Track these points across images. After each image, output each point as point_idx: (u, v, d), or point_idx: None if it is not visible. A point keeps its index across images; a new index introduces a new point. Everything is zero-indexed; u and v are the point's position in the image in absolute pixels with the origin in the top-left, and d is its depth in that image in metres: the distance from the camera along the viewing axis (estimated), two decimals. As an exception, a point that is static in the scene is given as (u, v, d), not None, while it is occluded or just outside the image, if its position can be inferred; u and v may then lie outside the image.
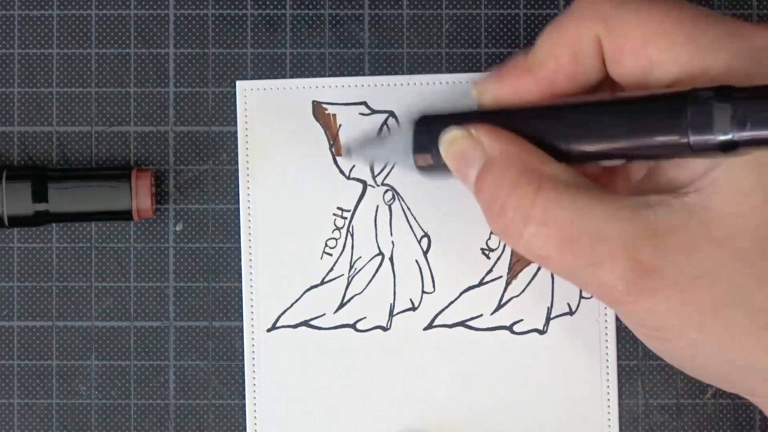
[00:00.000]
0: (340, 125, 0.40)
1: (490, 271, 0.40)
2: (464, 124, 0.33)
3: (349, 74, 0.40)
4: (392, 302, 0.40)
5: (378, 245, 0.40)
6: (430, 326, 0.40)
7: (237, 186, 0.40)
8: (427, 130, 0.35)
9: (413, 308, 0.40)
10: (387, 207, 0.40)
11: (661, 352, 0.32)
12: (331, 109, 0.40)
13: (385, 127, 0.40)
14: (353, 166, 0.40)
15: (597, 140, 0.31)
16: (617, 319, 0.40)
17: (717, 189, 0.30)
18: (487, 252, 0.40)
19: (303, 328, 0.40)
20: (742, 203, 0.30)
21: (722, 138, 0.28)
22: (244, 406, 0.40)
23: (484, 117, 0.33)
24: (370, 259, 0.40)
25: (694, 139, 0.29)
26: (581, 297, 0.40)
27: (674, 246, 0.30)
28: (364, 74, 0.40)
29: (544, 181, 0.31)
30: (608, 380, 0.39)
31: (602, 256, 0.30)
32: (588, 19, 0.32)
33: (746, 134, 0.28)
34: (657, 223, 0.30)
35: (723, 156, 0.29)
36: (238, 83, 0.40)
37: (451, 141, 0.33)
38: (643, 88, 0.31)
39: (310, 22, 0.40)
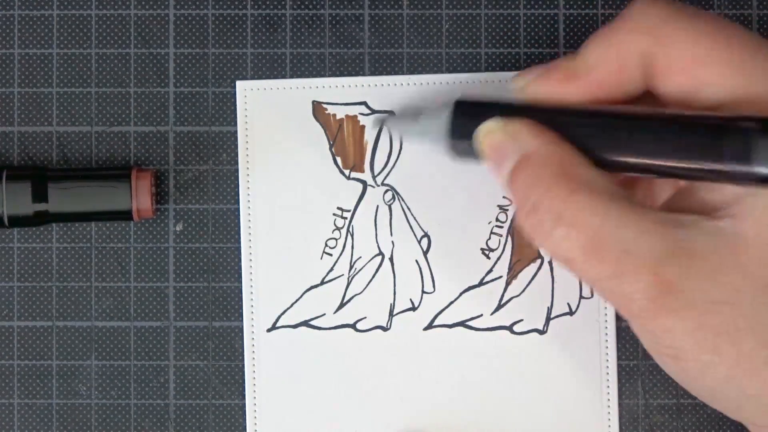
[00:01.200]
0: (340, 125, 0.40)
1: (490, 271, 0.40)
2: (504, 116, 0.33)
3: (349, 74, 0.40)
4: (392, 302, 0.40)
5: (378, 245, 0.40)
6: (430, 326, 0.40)
7: (237, 186, 0.40)
8: (465, 115, 0.34)
9: (413, 308, 0.40)
10: (387, 207, 0.40)
11: (672, 370, 0.32)
12: (331, 109, 0.40)
13: (422, 101, 0.39)
14: (353, 166, 0.40)
15: (637, 153, 0.31)
16: (617, 319, 0.40)
17: (750, 217, 0.30)
18: (487, 252, 0.40)
19: (303, 328, 0.40)
20: None
21: (760, 170, 0.28)
22: (244, 406, 0.40)
23: (524, 111, 0.33)
24: (370, 259, 0.40)
25: (732, 168, 0.29)
26: (581, 297, 0.40)
27: (700, 269, 0.30)
28: (364, 74, 0.40)
29: (579, 185, 0.31)
30: (608, 380, 0.39)
31: (627, 269, 0.30)
32: (639, 32, 0.32)
33: None
34: (686, 243, 0.30)
35: (760, 187, 0.29)
36: (238, 83, 0.40)
37: (489, 131, 0.33)
38: (686, 107, 0.31)
39: (310, 22, 0.40)
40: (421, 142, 0.36)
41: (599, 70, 0.33)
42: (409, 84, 0.40)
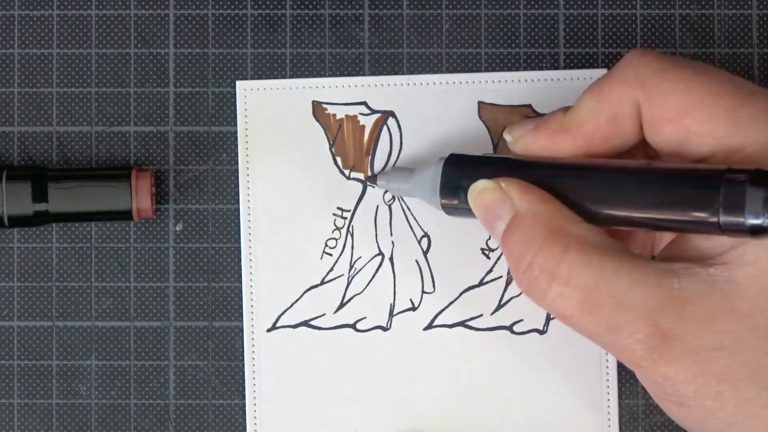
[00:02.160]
0: (339, 125, 0.40)
1: (490, 271, 0.40)
2: (494, 175, 0.34)
3: (349, 74, 0.40)
4: (392, 302, 0.40)
5: (378, 245, 0.40)
6: (430, 326, 0.40)
7: (237, 186, 0.40)
8: (456, 173, 0.35)
9: (413, 308, 0.40)
10: (387, 207, 0.40)
11: (676, 416, 0.33)
12: (331, 109, 0.40)
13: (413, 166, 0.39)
14: (353, 166, 0.40)
15: (627, 207, 0.31)
16: (617, 319, 0.40)
17: (743, 264, 0.30)
18: (487, 252, 0.40)
19: (303, 328, 0.40)
20: (767, 281, 0.30)
21: (753, 222, 0.28)
22: (244, 406, 0.40)
23: (515, 167, 0.34)
24: (370, 259, 0.40)
25: (724, 220, 0.29)
26: (581, 297, 0.40)
27: (695, 316, 0.30)
28: (364, 74, 0.40)
29: (571, 242, 0.31)
30: (608, 380, 0.39)
31: (624, 321, 0.30)
32: (629, 84, 0.32)
33: None
34: (680, 291, 0.30)
35: (751, 238, 0.29)
36: (238, 83, 0.40)
37: (480, 192, 0.34)
38: (678, 157, 0.32)
39: (310, 22, 0.40)
40: (416, 198, 0.37)
41: (592, 123, 0.33)
42: (409, 84, 0.40)
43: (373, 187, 0.40)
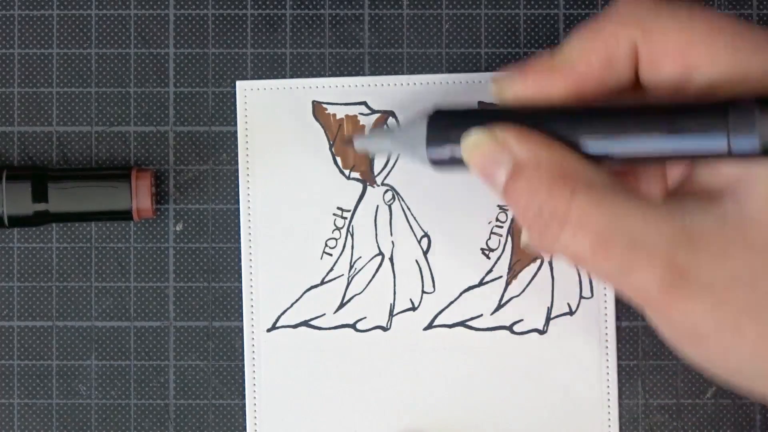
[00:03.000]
0: (339, 125, 0.40)
1: (490, 271, 0.40)
2: (487, 124, 0.32)
3: (349, 74, 0.40)
4: (392, 302, 0.40)
5: (378, 245, 0.40)
6: (430, 326, 0.40)
7: (237, 186, 0.40)
8: (443, 125, 0.33)
9: (413, 308, 0.40)
10: (387, 207, 0.40)
11: (695, 356, 0.32)
12: (331, 109, 0.40)
13: (392, 121, 0.39)
14: (353, 166, 0.40)
15: (635, 143, 0.31)
16: (617, 319, 0.40)
17: (753, 194, 0.30)
18: (487, 252, 0.40)
19: (303, 328, 0.40)
20: None
21: (763, 143, 0.28)
22: (244, 406, 0.40)
23: (507, 116, 0.32)
24: (370, 259, 0.40)
25: (735, 143, 0.29)
26: (581, 297, 0.40)
27: (709, 250, 0.30)
28: (364, 74, 0.40)
29: (578, 185, 0.31)
30: (608, 380, 0.39)
31: (638, 260, 0.30)
32: (626, 24, 0.32)
33: None
34: (693, 227, 0.30)
35: (763, 159, 0.29)
36: (238, 83, 0.40)
37: (475, 143, 0.33)
38: (677, 94, 0.32)
39: (310, 22, 0.40)
40: (396, 155, 0.36)
41: (584, 63, 0.32)
42: (409, 84, 0.40)
43: (373, 186, 0.40)
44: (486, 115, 0.33)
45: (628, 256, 0.30)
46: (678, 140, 0.30)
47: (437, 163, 0.34)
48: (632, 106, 0.31)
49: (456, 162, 0.33)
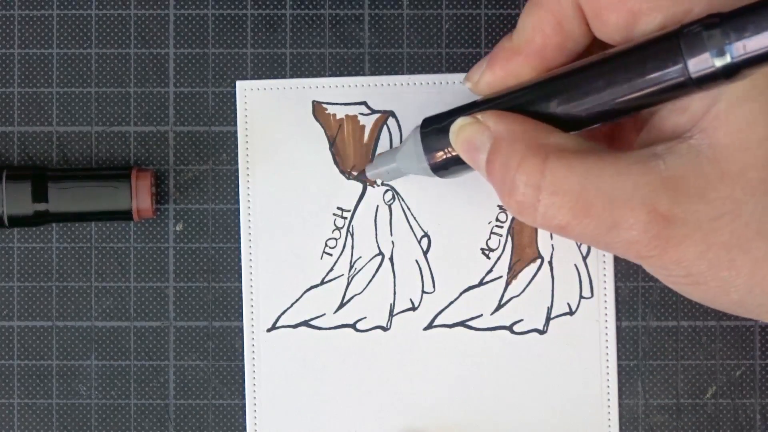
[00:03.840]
0: (339, 125, 0.40)
1: (490, 271, 0.40)
2: (470, 113, 0.34)
3: (349, 74, 0.40)
4: (392, 302, 0.40)
5: (378, 245, 0.40)
6: (430, 326, 0.40)
7: (237, 186, 0.40)
8: (434, 130, 0.35)
9: (413, 308, 0.40)
10: (387, 207, 0.40)
11: (695, 296, 0.33)
12: (331, 109, 0.40)
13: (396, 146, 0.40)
14: (353, 166, 0.40)
15: (599, 99, 0.31)
16: (617, 319, 0.40)
17: (720, 125, 0.30)
18: (487, 252, 0.40)
19: (303, 328, 0.40)
20: (749, 135, 0.30)
21: (722, 63, 0.28)
22: (244, 406, 0.40)
23: (486, 105, 0.34)
24: (370, 259, 0.40)
25: (693, 70, 0.29)
26: (581, 297, 0.40)
27: (689, 191, 0.30)
28: (364, 74, 0.40)
29: (550, 152, 0.31)
30: (608, 380, 0.39)
31: (620, 216, 0.30)
32: None
33: (743, 54, 0.28)
34: (668, 170, 0.30)
35: (728, 82, 0.29)
36: (238, 83, 0.40)
37: (459, 129, 0.34)
38: (630, 41, 0.32)
39: (310, 22, 0.40)
40: (406, 174, 0.37)
41: (538, 36, 0.33)
42: (409, 84, 0.40)
43: (373, 186, 0.40)
44: (468, 109, 0.34)
45: (610, 214, 0.30)
46: (638, 81, 0.30)
47: (439, 167, 0.35)
48: (590, 62, 0.32)
49: (454, 162, 0.35)
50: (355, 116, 0.40)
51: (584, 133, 0.32)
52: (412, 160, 0.36)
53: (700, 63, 0.29)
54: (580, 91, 0.31)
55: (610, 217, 0.30)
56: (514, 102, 0.33)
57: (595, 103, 0.31)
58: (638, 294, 0.40)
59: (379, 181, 0.40)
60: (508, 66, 0.34)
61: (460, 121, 0.34)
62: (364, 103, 0.40)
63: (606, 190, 0.30)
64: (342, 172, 0.40)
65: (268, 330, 0.40)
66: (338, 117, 0.40)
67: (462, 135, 0.34)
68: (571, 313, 0.40)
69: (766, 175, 0.30)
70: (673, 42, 0.29)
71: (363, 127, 0.40)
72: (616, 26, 0.32)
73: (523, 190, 0.31)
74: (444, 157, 0.35)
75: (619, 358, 0.40)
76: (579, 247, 0.40)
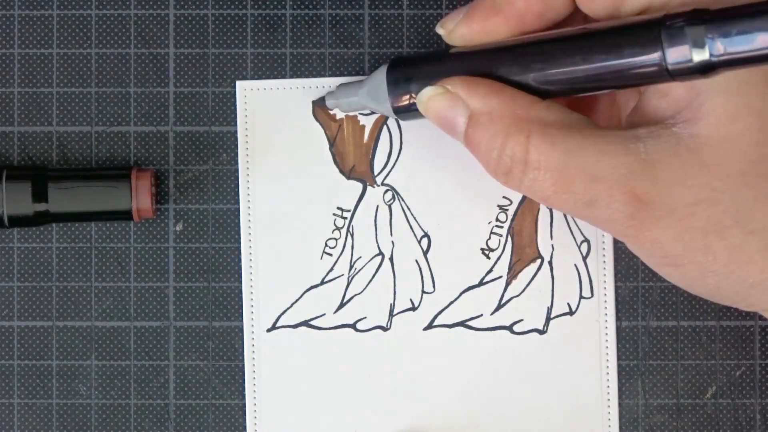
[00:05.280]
0: (340, 125, 0.40)
1: (490, 271, 0.40)
2: (439, 72, 0.34)
3: (349, 74, 0.40)
4: (392, 302, 0.40)
5: (378, 245, 0.40)
6: (430, 326, 0.40)
7: (237, 186, 0.40)
8: (402, 74, 0.35)
9: (413, 308, 0.40)
10: (387, 207, 0.40)
11: (673, 278, 0.33)
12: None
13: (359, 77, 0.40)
14: (353, 166, 0.40)
15: (575, 73, 0.31)
16: (617, 319, 0.40)
17: (703, 115, 0.31)
18: (487, 252, 0.40)
19: (303, 328, 0.40)
20: (730, 127, 0.30)
21: (699, 59, 0.29)
22: (244, 406, 0.40)
23: (458, 61, 0.34)
24: (370, 259, 0.40)
25: (671, 62, 0.29)
26: (581, 297, 0.40)
27: (667, 175, 0.31)
28: (364, 74, 0.40)
29: (533, 127, 0.32)
30: (608, 380, 0.39)
31: (598, 193, 0.31)
32: None
33: (722, 54, 0.28)
34: (648, 154, 0.31)
35: (702, 78, 0.29)
36: (238, 83, 0.40)
37: (429, 100, 0.34)
38: (614, 19, 0.32)
39: (310, 22, 0.40)
40: (367, 109, 0.37)
41: (521, 0, 0.33)
42: (409, 84, 0.40)
43: (373, 186, 0.40)
44: (438, 60, 0.34)
45: (589, 191, 0.31)
46: (616, 61, 0.30)
47: (400, 111, 0.36)
48: (571, 33, 0.32)
49: (416, 110, 0.35)
50: (355, 116, 0.40)
51: (567, 99, 0.33)
52: (375, 98, 0.36)
53: (678, 56, 0.29)
54: (557, 62, 0.32)
55: (589, 194, 0.31)
56: (488, 63, 0.33)
57: (571, 75, 0.31)
58: (638, 294, 0.40)
59: (379, 181, 0.40)
60: (485, 23, 0.34)
61: (429, 91, 0.34)
62: (364, 103, 0.40)
63: (587, 168, 0.31)
64: (342, 172, 0.40)
65: (268, 330, 0.40)
66: (338, 117, 0.40)
67: (433, 107, 0.34)
68: (571, 313, 0.40)
69: (745, 168, 0.31)
70: (655, 30, 0.29)
71: (363, 127, 0.40)
72: (603, 3, 0.32)
73: (510, 164, 0.32)
74: (408, 102, 0.35)
75: (619, 358, 0.40)
76: (579, 247, 0.40)
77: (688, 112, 0.31)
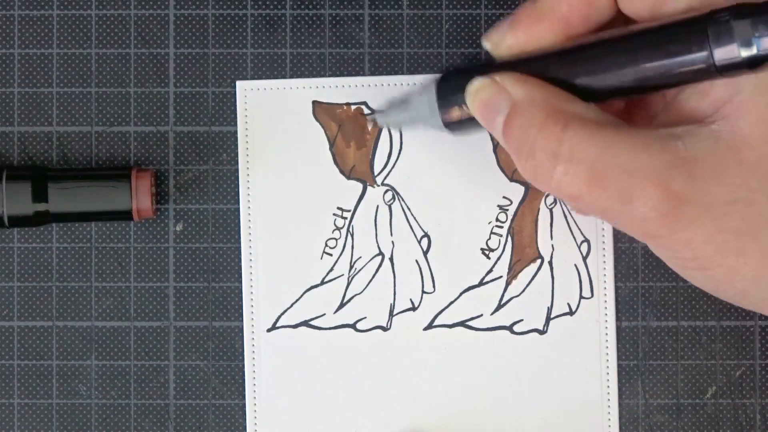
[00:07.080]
0: (340, 125, 0.40)
1: (490, 271, 0.40)
2: (488, 74, 0.33)
3: (349, 74, 0.40)
4: (392, 302, 0.40)
5: (378, 245, 0.40)
6: (430, 326, 0.40)
7: (237, 186, 0.40)
8: (451, 86, 0.35)
9: (413, 308, 0.40)
10: (387, 207, 0.40)
11: (700, 281, 0.33)
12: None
13: (408, 90, 0.39)
14: (353, 166, 0.40)
15: (621, 75, 0.31)
16: (617, 319, 0.40)
17: (743, 114, 0.30)
18: (487, 252, 0.40)
19: (303, 328, 0.40)
20: None
21: (747, 54, 0.28)
22: (244, 406, 0.40)
23: (506, 67, 0.34)
24: (370, 259, 0.40)
25: (719, 58, 0.29)
26: (581, 297, 0.40)
27: (705, 174, 0.30)
28: (364, 74, 0.40)
29: (570, 120, 0.31)
30: (608, 380, 0.39)
31: (634, 190, 0.30)
32: None
33: None
34: (686, 152, 0.30)
35: (750, 72, 0.29)
36: (238, 83, 0.40)
37: (477, 90, 0.33)
38: (657, 20, 0.32)
39: (310, 22, 0.40)
40: (416, 127, 0.37)
41: (564, 4, 0.33)
42: (409, 84, 0.40)
43: (374, 186, 0.40)
44: (488, 69, 0.34)
45: (623, 187, 0.30)
46: (662, 61, 0.30)
47: (451, 125, 0.35)
48: (616, 36, 0.32)
49: (467, 121, 0.34)
50: (356, 116, 0.40)
51: (602, 105, 0.33)
52: (425, 113, 0.36)
53: (726, 52, 0.29)
54: (602, 64, 0.31)
55: (624, 190, 0.30)
56: (534, 67, 0.33)
57: (617, 77, 0.31)
58: (638, 294, 0.40)
59: (379, 181, 0.40)
60: (531, 30, 0.33)
61: (477, 82, 0.33)
62: (364, 103, 0.40)
63: (622, 163, 0.30)
64: (342, 172, 0.40)
65: (268, 330, 0.40)
66: (338, 117, 0.40)
67: (479, 96, 0.33)
68: (571, 313, 0.40)
69: None
70: (700, 27, 0.29)
71: (363, 127, 0.40)
72: (644, 2, 0.32)
73: (541, 156, 0.31)
74: (458, 115, 0.35)
75: (619, 358, 0.40)
76: (579, 247, 0.40)
77: (727, 111, 0.30)
